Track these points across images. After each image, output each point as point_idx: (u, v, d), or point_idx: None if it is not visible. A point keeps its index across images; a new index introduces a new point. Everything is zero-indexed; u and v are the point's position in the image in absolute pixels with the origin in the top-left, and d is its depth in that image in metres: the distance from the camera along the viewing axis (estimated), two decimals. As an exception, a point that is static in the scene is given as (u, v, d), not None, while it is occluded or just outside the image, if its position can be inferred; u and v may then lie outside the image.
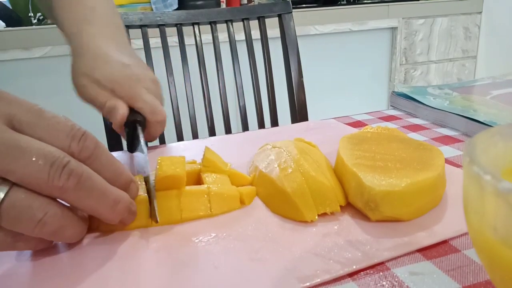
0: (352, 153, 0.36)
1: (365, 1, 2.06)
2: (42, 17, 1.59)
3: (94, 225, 0.32)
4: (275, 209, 0.34)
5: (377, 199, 0.30)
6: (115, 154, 0.49)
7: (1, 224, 0.25)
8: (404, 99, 0.60)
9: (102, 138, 0.86)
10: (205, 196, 0.34)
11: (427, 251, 0.28)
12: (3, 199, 0.24)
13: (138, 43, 0.99)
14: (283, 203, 0.33)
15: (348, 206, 0.34)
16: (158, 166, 0.33)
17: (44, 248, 0.30)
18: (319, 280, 0.26)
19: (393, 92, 0.63)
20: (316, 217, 0.32)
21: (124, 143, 0.47)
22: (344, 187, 0.35)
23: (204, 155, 0.37)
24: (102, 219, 0.29)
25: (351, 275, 0.26)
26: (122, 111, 0.45)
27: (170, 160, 0.33)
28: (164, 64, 0.94)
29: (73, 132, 0.27)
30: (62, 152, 0.26)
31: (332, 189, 0.33)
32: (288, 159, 0.36)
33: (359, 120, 0.57)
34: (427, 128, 0.52)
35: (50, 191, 0.25)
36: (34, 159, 0.24)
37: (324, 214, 0.33)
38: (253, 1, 1.97)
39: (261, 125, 1.00)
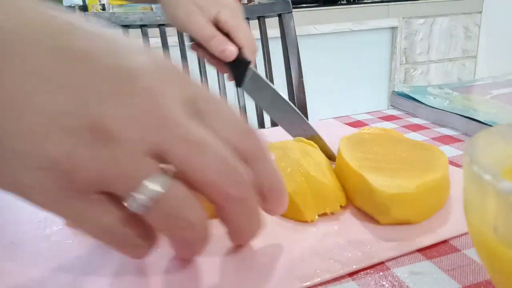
0: (354, 154, 0.35)
1: (365, 1, 2.06)
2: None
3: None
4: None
5: (387, 203, 0.30)
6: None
7: (147, 216, 0.21)
8: (404, 99, 0.60)
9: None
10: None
11: (427, 251, 0.28)
12: (162, 192, 0.20)
13: (138, 43, 0.99)
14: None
15: (348, 206, 0.34)
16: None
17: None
18: (319, 279, 0.26)
19: (393, 91, 0.63)
20: (316, 217, 0.32)
21: None
22: (347, 189, 0.35)
23: None
24: (236, 238, 0.27)
25: (351, 274, 0.26)
26: (235, 50, 0.46)
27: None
28: (164, 64, 0.94)
29: (243, 129, 0.24)
30: (237, 161, 0.23)
31: (332, 189, 0.33)
32: (288, 159, 0.36)
33: (359, 120, 0.57)
34: (427, 128, 0.52)
35: (216, 196, 0.23)
36: (214, 162, 0.22)
37: (324, 214, 0.33)
38: (253, 1, 1.97)
39: (261, 125, 1.00)
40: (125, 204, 0.21)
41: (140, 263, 0.28)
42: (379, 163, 0.34)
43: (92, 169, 0.19)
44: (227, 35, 0.47)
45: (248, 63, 0.47)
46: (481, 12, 2.19)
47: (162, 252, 0.29)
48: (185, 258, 0.26)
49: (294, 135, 0.46)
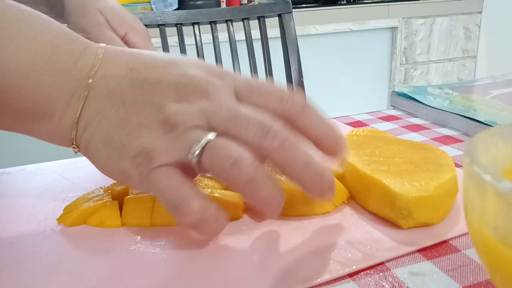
0: (359, 158, 0.35)
1: (365, 1, 2.06)
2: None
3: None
4: (286, 213, 0.32)
5: (409, 206, 0.29)
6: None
7: (201, 162, 0.27)
8: (404, 99, 0.60)
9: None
10: None
11: (427, 251, 0.28)
12: (210, 140, 0.27)
13: (138, 43, 0.99)
14: (295, 204, 0.33)
15: (348, 206, 0.34)
16: None
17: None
18: (319, 280, 0.26)
19: (393, 92, 0.63)
20: (335, 206, 0.33)
21: None
22: (356, 194, 0.34)
23: None
24: (307, 190, 0.29)
25: (351, 275, 0.26)
26: None
27: None
28: (164, 64, 0.94)
29: (281, 96, 0.30)
30: (271, 120, 0.28)
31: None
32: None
33: (359, 120, 0.57)
34: (427, 128, 0.52)
35: (259, 150, 0.27)
36: (249, 126, 0.27)
37: (325, 214, 0.33)
38: (253, 1, 1.97)
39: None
40: (192, 165, 0.27)
41: (140, 264, 0.28)
42: (388, 166, 0.33)
43: (163, 147, 0.27)
44: None
45: None
46: (481, 12, 2.19)
47: (162, 253, 0.29)
48: (263, 210, 0.29)
49: None
